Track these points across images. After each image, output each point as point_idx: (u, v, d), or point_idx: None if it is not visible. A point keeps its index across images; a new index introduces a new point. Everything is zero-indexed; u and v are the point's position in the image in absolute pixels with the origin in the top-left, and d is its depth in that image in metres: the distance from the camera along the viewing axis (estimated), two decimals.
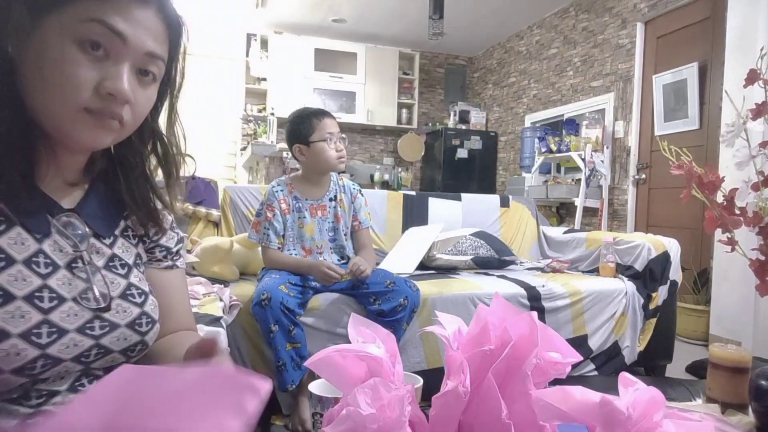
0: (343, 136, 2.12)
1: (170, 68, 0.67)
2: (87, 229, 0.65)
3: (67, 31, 0.56)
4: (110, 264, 0.67)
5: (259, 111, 5.93)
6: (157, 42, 0.62)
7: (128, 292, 0.67)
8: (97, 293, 0.63)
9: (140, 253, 0.74)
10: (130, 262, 0.70)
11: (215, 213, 2.53)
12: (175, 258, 0.79)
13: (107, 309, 0.63)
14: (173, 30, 0.65)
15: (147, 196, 0.72)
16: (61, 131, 0.59)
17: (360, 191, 2.22)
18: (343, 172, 2.08)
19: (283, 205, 2.06)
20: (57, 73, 0.56)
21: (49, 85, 0.57)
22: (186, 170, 0.74)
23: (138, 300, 0.68)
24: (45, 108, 0.58)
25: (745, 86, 0.85)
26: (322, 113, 2.08)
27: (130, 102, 0.60)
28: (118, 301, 0.65)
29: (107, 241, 0.68)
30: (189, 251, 2.19)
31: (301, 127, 2.05)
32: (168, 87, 0.69)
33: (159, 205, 0.74)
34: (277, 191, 2.08)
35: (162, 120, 0.71)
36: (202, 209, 2.49)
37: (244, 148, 5.46)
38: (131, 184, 0.70)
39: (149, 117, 0.67)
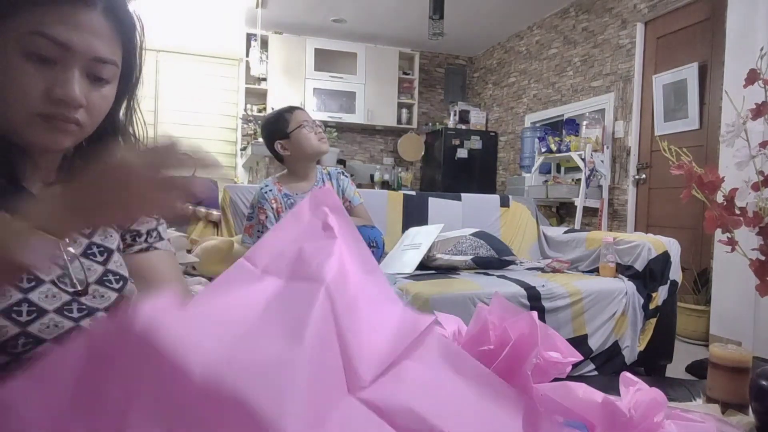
0: (318, 122, 2.17)
1: (128, 64, 0.68)
2: None
3: (11, 44, 0.57)
4: (88, 252, 0.69)
5: (259, 111, 5.92)
6: (106, 44, 0.62)
7: (105, 278, 0.68)
8: (74, 278, 0.65)
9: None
10: (113, 246, 0.71)
11: (215, 213, 2.53)
12: (150, 240, 0.79)
13: (84, 293, 0.65)
14: (125, 28, 0.65)
15: None
16: (18, 135, 0.60)
17: (342, 172, 2.28)
18: (326, 152, 2.14)
19: (275, 205, 2.07)
20: (6, 83, 0.58)
21: (0, 93, 0.58)
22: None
23: (116, 285, 0.69)
24: (0, 114, 0.60)
25: (745, 86, 0.85)
26: (291, 107, 2.16)
27: (84, 106, 0.61)
28: (95, 286, 0.66)
29: (85, 231, 0.70)
30: (189, 251, 2.19)
31: (276, 125, 2.11)
32: (127, 83, 0.69)
33: None
34: (266, 192, 2.09)
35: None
36: (202, 209, 2.49)
37: (244, 148, 5.46)
38: None
39: (112, 112, 0.68)
